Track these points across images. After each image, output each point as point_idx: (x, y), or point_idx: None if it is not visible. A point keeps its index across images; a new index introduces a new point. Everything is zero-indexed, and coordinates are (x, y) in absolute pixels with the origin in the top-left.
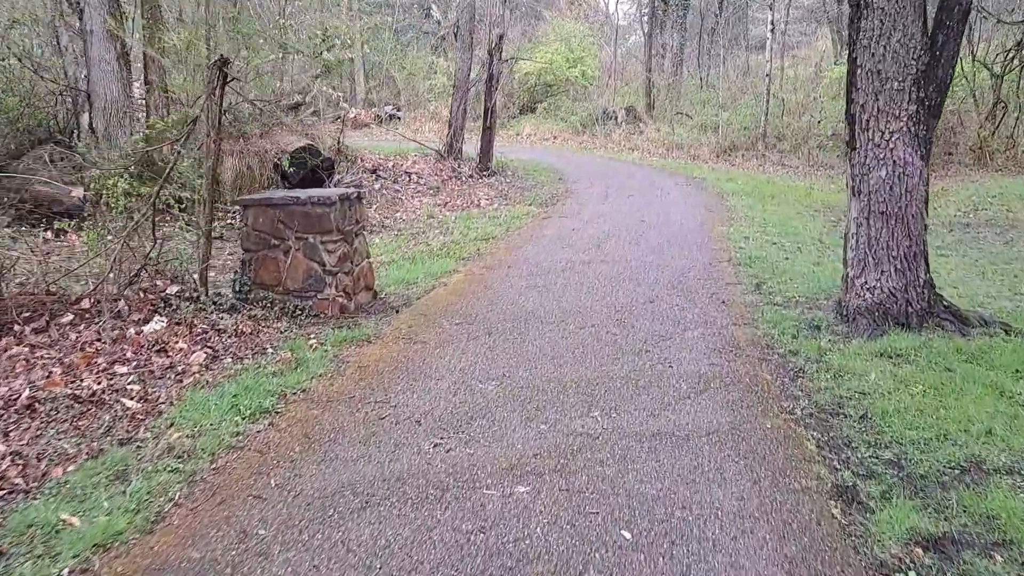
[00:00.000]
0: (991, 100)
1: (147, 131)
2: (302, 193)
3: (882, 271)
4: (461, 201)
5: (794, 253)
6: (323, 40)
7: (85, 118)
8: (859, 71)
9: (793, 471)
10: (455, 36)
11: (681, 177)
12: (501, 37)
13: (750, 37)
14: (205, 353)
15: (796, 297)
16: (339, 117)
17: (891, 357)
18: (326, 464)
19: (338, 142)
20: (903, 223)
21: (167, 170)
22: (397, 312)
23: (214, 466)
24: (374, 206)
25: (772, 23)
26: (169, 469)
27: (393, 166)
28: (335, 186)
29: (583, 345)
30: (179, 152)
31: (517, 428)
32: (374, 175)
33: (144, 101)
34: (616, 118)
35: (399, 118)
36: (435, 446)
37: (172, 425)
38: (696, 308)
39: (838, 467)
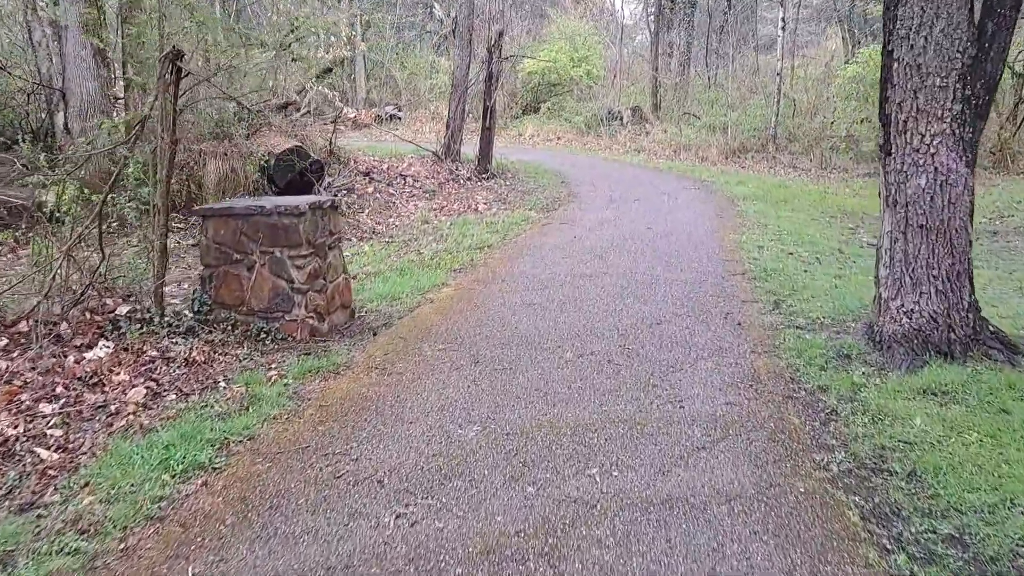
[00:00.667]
0: (1013, 100)
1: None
2: (267, 202)
3: (921, 292)
4: (458, 205)
5: (813, 265)
6: (292, 31)
7: (60, 118)
8: (896, 65)
9: (836, 555)
10: (453, 34)
11: (689, 180)
12: (500, 34)
13: (759, 36)
14: (147, 388)
15: (821, 319)
16: (334, 118)
17: (936, 395)
18: (261, 543)
19: (330, 143)
20: (945, 238)
21: (114, 175)
22: (375, 335)
23: (123, 546)
24: (366, 210)
25: (783, 20)
26: (67, 551)
27: (388, 168)
28: (325, 190)
29: (581, 378)
30: (125, 156)
31: (499, 491)
32: (367, 178)
33: (124, 100)
34: (622, 119)
35: (400, 118)
36: (398, 517)
37: (87, 485)
38: (709, 331)
39: (889, 547)
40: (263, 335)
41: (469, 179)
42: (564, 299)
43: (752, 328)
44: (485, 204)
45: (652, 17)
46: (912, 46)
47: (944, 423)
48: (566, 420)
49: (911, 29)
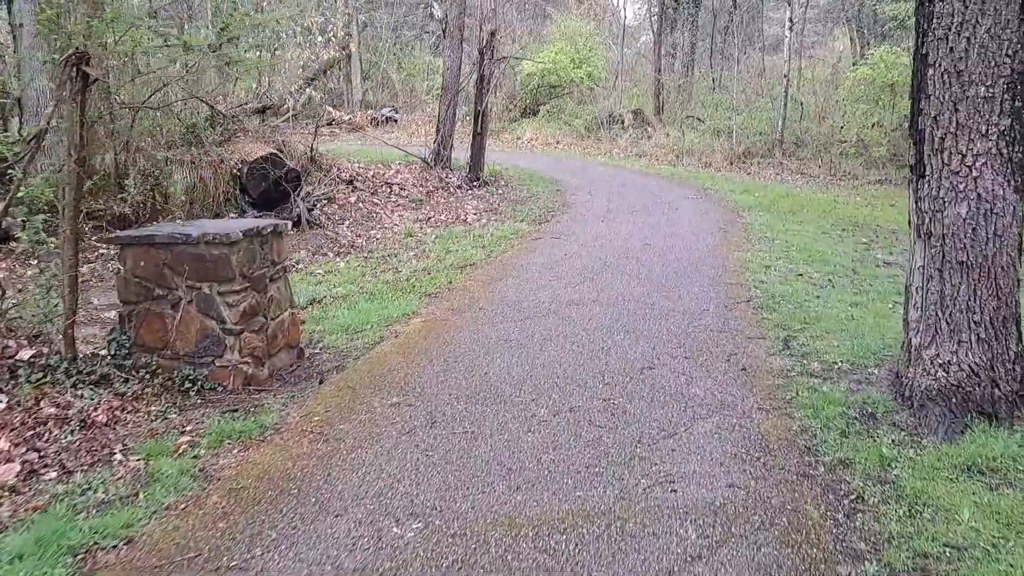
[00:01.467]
0: None
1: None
2: (194, 229)
3: (959, 341)
4: (446, 216)
5: (825, 288)
6: (223, 30)
7: (15, 124)
8: (931, 72)
9: None
10: (443, 33)
11: (692, 188)
12: (493, 33)
13: (765, 36)
14: (24, 462)
15: (838, 362)
16: (324, 122)
17: (984, 473)
18: None
19: (311, 150)
20: (989, 277)
21: (9, 197)
22: (321, 382)
23: None
24: (347, 222)
25: (791, 20)
26: None
27: (373, 176)
28: (302, 200)
29: (555, 447)
30: (20, 176)
31: None
32: (350, 186)
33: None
34: (623, 122)
35: (396, 121)
36: None
37: None
38: (709, 379)
39: None
40: (188, 384)
41: (460, 187)
42: (546, 334)
43: (759, 375)
44: (475, 215)
45: (655, 17)
46: (952, 49)
47: (998, 517)
48: (530, 513)
49: (950, 29)
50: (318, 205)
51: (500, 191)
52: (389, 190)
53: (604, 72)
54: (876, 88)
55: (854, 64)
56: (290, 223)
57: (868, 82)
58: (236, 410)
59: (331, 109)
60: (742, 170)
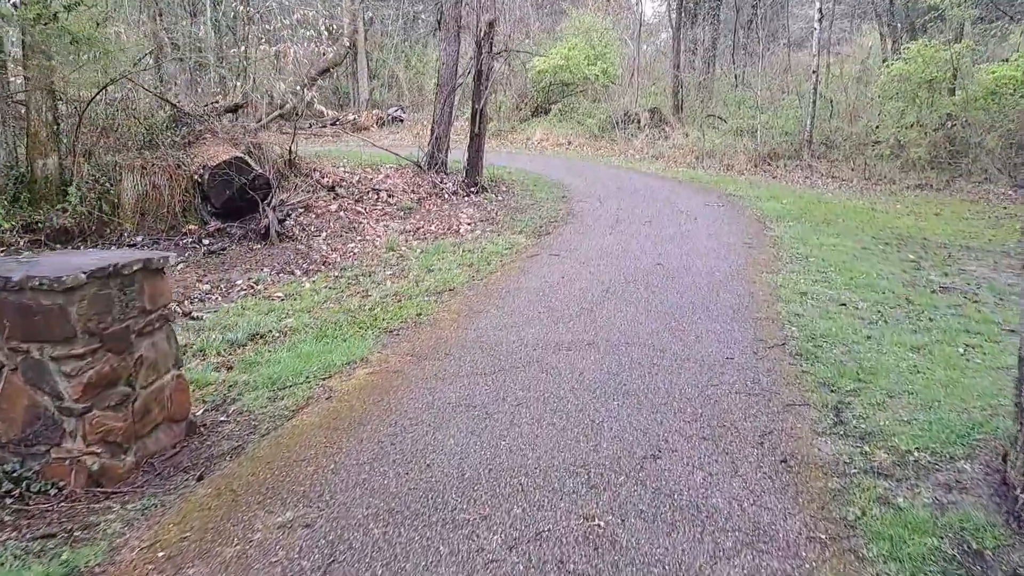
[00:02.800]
0: None
1: None
2: (22, 268)
3: None
4: (436, 226)
5: (877, 325)
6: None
7: None
8: None
9: None
10: (439, 24)
11: (712, 194)
12: (492, 24)
13: (791, 32)
14: None
15: (912, 451)
16: (296, 122)
17: None
18: None
19: (290, 152)
20: None
21: None
22: (200, 479)
23: None
24: (324, 234)
25: (820, 11)
26: None
27: (359, 181)
28: (273, 210)
29: None
30: None
31: None
32: (332, 193)
33: (25, 103)
34: (639, 121)
35: (402, 120)
36: None
37: None
38: (736, 478)
39: None
40: (10, 485)
41: (455, 193)
42: (522, 396)
43: (805, 472)
44: (468, 225)
45: (675, 10)
46: None
47: None
48: None
49: None
50: (292, 215)
51: (500, 197)
52: (376, 197)
53: (620, 69)
54: (913, 84)
55: (884, 61)
56: (260, 235)
57: (903, 78)
58: (54, 534)
59: (324, 109)
60: (767, 173)
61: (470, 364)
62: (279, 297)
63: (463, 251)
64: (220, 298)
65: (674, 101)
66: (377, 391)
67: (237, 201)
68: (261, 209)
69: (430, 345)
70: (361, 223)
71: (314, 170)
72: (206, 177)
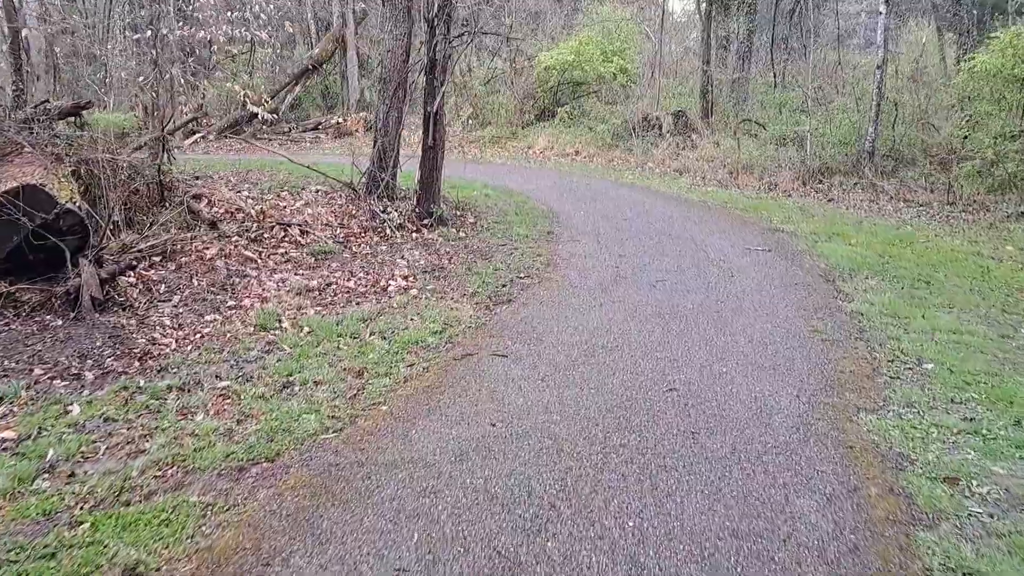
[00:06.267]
0: None
1: None
2: None
3: None
4: (357, 280)
5: None
6: None
7: None
8: None
9: None
10: (382, 1)
11: (754, 229)
12: None
13: (841, 25)
14: None
15: None
16: (161, 130)
17: None
18: None
19: (159, 171)
20: None
21: None
22: None
23: None
24: (177, 297)
25: None
26: None
27: (265, 212)
28: (92, 263)
29: None
30: None
31: None
32: (215, 231)
33: None
34: (660, 127)
35: None
36: None
37: None
38: None
39: None
40: None
41: (401, 227)
42: None
43: None
44: (405, 279)
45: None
46: None
47: None
48: None
49: None
50: (139, 266)
51: (463, 233)
52: (283, 235)
53: (640, 68)
54: (1000, 82)
55: (942, 59)
56: None
57: (993, 74)
58: None
59: (251, 105)
60: (820, 194)
61: None
62: (9, 442)
63: (368, 339)
64: None
65: (703, 103)
66: None
67: (29, 251)
68: (68, 263)
69: None
70: (247, 277)
71: (197, 197)
72: None
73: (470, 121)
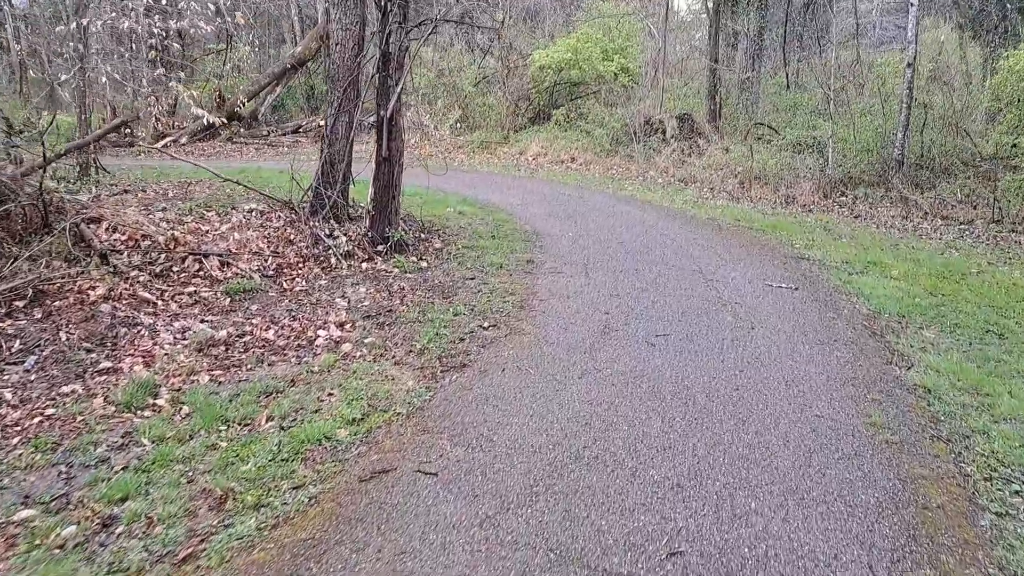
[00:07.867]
0: None
1: None
2: None
3: None
4: (278, 332)
5: None
6: None
7: None
8: None
9: None
10: None
11: (775, 257)
12: None
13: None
14: None
15: None
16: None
17: None
18: None
19: (40, 196)
20: None
21: None
22: None
23: None
24: (33, 359)
25: None
26: None
27: (177, 238)
28: None
29: None
30: None
31: None
32: (107, 264)
33: None
34: (663, 131)
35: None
36: None
37: None
38: None
39: None
40: None
41: (350, 255)
42: None
43: None
44: (340, 327)
45: None
46: None
47: None
48: None
49: None
50: None
51: (425, 261)
52: (198, 267)
53: (643, 67)
54: None
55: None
56: None
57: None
58: None
59: (204, 113)
60: (844, 208)
61: None
62: None
63: (263, 425)
64: None
65: (710, 105)
66: None
67: None
68: None
69: None
70: (138, 325)
71: (94, 220)
72: None
73: (458, 125)
